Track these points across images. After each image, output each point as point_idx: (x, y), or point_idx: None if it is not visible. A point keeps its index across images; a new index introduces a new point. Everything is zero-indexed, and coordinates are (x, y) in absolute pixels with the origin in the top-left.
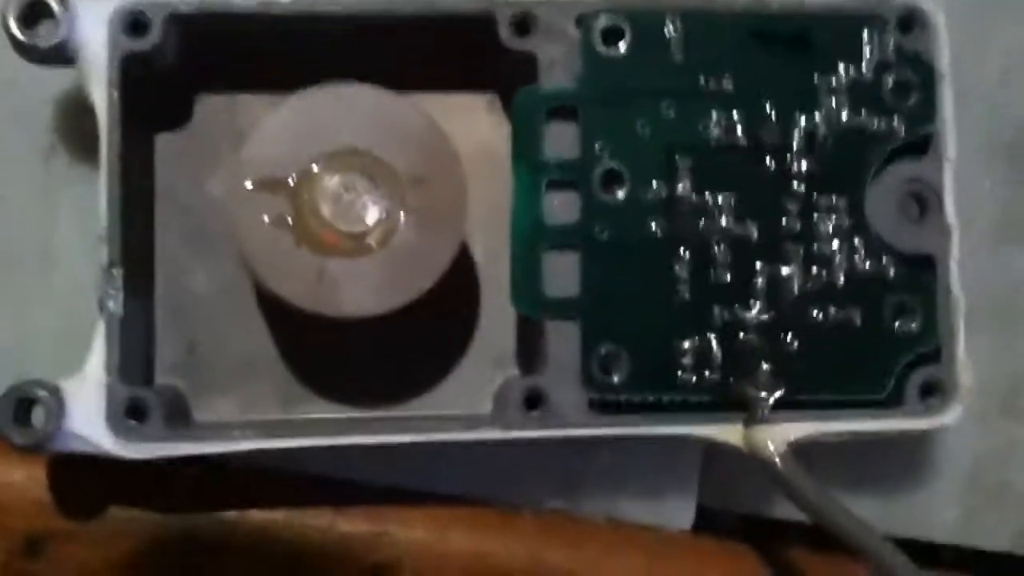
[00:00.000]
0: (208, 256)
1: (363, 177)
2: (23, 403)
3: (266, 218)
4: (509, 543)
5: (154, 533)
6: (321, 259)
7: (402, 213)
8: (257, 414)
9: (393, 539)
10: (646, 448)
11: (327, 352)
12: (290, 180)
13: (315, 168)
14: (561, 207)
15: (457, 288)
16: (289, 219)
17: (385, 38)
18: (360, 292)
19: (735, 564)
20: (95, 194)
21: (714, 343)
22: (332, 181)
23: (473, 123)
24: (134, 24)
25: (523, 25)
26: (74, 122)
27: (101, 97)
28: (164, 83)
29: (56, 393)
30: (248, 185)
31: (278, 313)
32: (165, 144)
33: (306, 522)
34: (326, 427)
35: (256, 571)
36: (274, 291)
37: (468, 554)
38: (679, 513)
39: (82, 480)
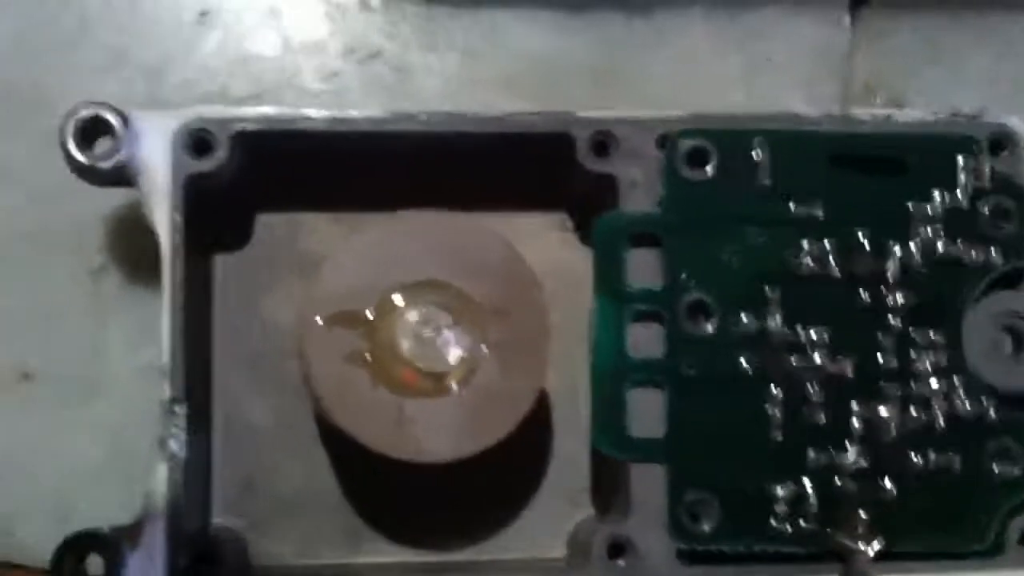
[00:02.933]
0: (267, 384)
1: (444, 311)
2: (80, 552)
3: (341, 355)
4: None
5: None
6: (399, 399)
7: (484, 348)
8: (318, 556)
9: None
10: None
11: (392, 490)
12: (367, 314)
13: (394, 302)
14: (646, 340)
15: (531, 422)
16: (366, 356)
17: (454, 156)
18: (440, 435)
19: None
20: (147, 316)
21: (809, 489)
22: (412, 316)
23: (545, 244)
24: (199, 143)
25: (602, 145)
26: (126, 241)
27: (163, 220)
28: (224, 201)
29: (115, 545)
30: (322, 320)
31: (342, 448)
32: (223, 265)
33: None
34: (393, 573)
35: None
36: (349, 433)
37: None
38: None
39: None
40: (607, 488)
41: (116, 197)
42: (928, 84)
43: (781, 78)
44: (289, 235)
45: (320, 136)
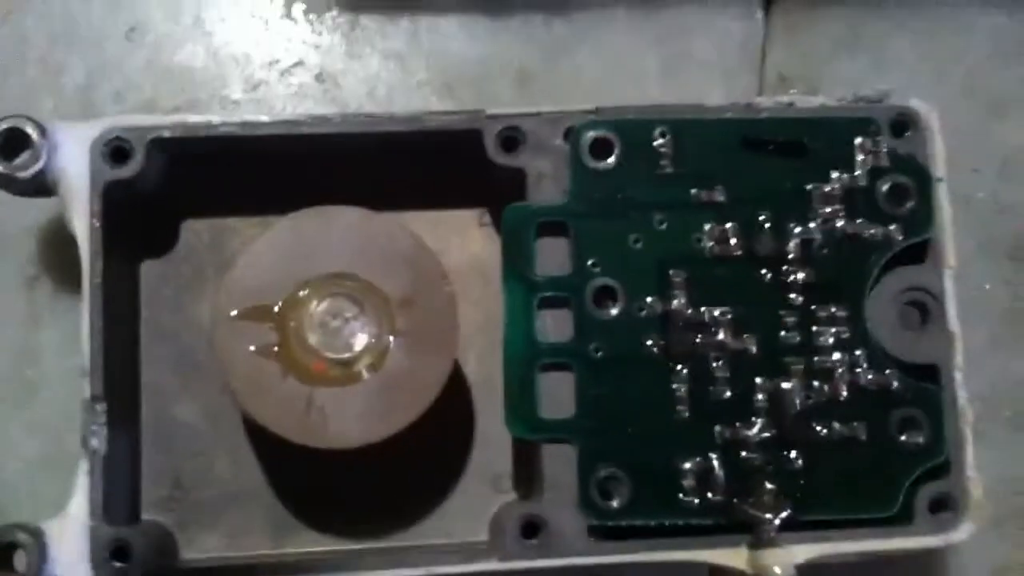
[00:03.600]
0: (194, 384)
1: (350, 302)
2: (5, 547)
3: (252, 347)
4: None
5: None
6: (309, 388)
7: (391, 337)
8: (246, 549)
9: None
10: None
11: (317, 482)
12: (276, 307)
13: (301, 294)
14: (554, 325)
15: (450, 409)
16: (275, 347)
17: (373, 157)
18: (349, 422)
19: None
20: (78, 322)
21: (716, 463)
22: (319, 308)
23: (464, 239)
24: (116, 151)
25: (510, 140)
26: (57, 251)
27: (83, 227)
28: (147, 209)
29: (38, 536)
30: (233, 313)
31: (266, 443)
32: (150, 271)
33: None
34: (319, 564)
35: None
36: (260, 422)
37: None
38: None
39: None
40: (526, 473)
41: (48, 210)
42: (846, 74)
43: (700, 73)
44: (214, 240)
45: (235, 140)
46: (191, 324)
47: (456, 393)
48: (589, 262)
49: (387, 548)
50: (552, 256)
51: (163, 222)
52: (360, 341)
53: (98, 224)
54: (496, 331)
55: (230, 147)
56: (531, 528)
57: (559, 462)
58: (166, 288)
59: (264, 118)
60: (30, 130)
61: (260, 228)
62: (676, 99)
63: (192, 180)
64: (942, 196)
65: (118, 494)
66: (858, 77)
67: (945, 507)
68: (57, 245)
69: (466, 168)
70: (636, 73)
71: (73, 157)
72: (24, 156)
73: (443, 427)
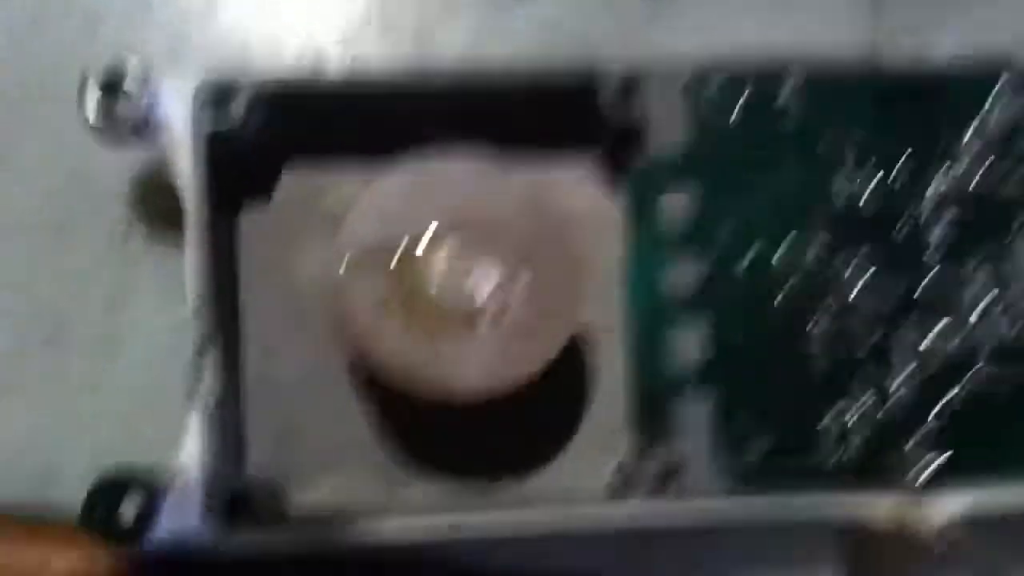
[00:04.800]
0: (297, 338)
1: (472, 254)
2: (113, 494)
3: (371, 299)
4: None
5: None
6: (431, 340)
7: (514, 289)
8: (356, 503)
9: None
10: (780, 531)
11: (428, 436)
12: (395, 258)
13: (421, 245)
14: (682, 278)
15: (567, 365)
16: (395, 301)
17: (482, 107)
18: (472, 374)
19: None
20: (174, 276)
21: (857, 415)
22: (439, 259)
23: (579, 192)
24: (218, 101)
25: (628, 92)
26: (150, 202)
27: (185, 177)
28: (248, 159)
29: (151, 485)
30: (350, 267)
31: (375, 396)
32: (250, 222)
33: None
34: (437, 507)
35: None
36: (381, 376)
37: None
38: None
39: None
40: (652, 429)
41: (140, 159)
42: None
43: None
44: (315, 191)
45: (340, 92)
46: (291, 277)
47: (574, 346)
48: (716, 213)
49: (502, 499)
50: (678, 208)
51: (263, 173)
52: (483, 292)
53: (201, 174)
54: (611, 286)
55: (334, 99)
56: (664, 481)
57: (691, 415)
58: (266, 240)
59: (370, 70)
60: (134, 72)
61: (364, 182)
62: (796, 45)
63: (294, 132)
64: None
65: (227, 448)
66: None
67: None
68: (150, 198)
69: (580, 119)
70: (753, 20)
71: (175, 104)
72: (124, 105)
73: (560, 381)
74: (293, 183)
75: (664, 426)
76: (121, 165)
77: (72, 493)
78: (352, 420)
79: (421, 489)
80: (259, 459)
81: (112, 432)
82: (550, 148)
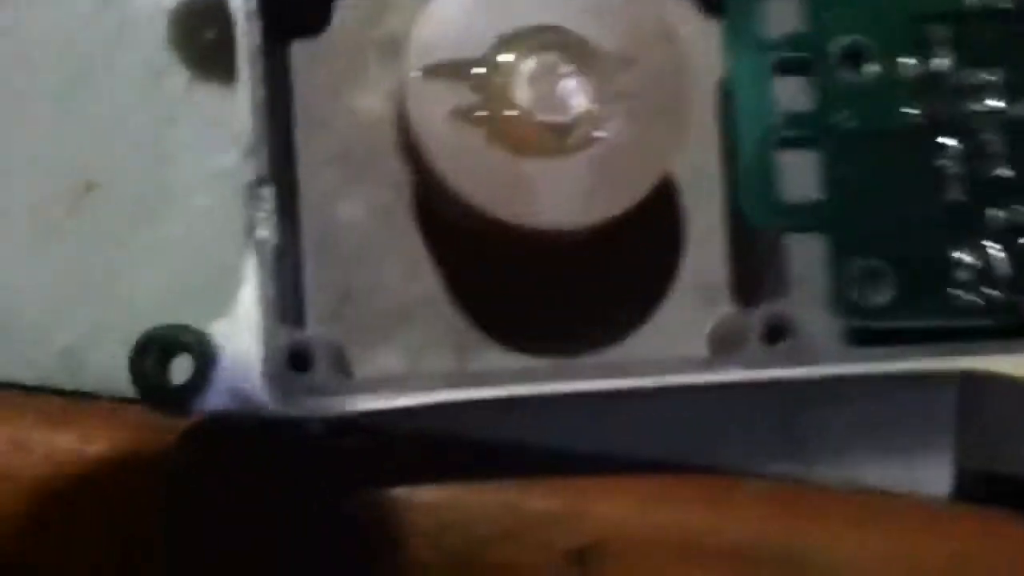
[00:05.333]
0: (357, 180)
1: (564, 57)
2: (164, 353)
3: (450, 110)
4: (729, 518)
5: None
6: (517, 158)
7: (612, 99)
8: (425, 366)
9: (591, 517)
10: (893, 394)
11: (503, 290)
12: (477, 63)
13: (506, 49)
14: (793, 93)
15: (655, 206)
16: (477, 111)
17: None
18: (563, 199)
19: (1002, 536)
20: (219, 117)
21: (995, 252)
22: (528, 64)
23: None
24: None
25: None
26: (190, 36)
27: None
28: None
29: (204, 341)
30: (425, 71)
31: (446, 244)
32: (301, 53)
33: (486, 499)
34: (512, 376)
35: (430, 557)
36: (462, 197)
37: (681, 532)
38: (934, 476)
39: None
40: (755, 271)
41: None
42: None
43: None
44: (373, 15)
45: None
46: (350, 113)
47: (661, 187)
48: (832, 16)
49: (585, 365)
50: (785, 12)
51: None
52: (577, 103)
53: None
54: (704, 113)
55: None
56: (777, 332)
57: (807, 255)
58: (320, 72)
59: None
60: None
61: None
62: None
63: None
64: None
65: (285, 300)
66: None
67: None
68: (189, 28)
69: None
70: None
71: None
72: None
73: (647, 228)
74: (350, 5)
75: (771, 274)
76: None
77: (112, 362)
78: (420, 274)
79: (497, 355)
80: (320, 318)
81: (155, 294)
82: None
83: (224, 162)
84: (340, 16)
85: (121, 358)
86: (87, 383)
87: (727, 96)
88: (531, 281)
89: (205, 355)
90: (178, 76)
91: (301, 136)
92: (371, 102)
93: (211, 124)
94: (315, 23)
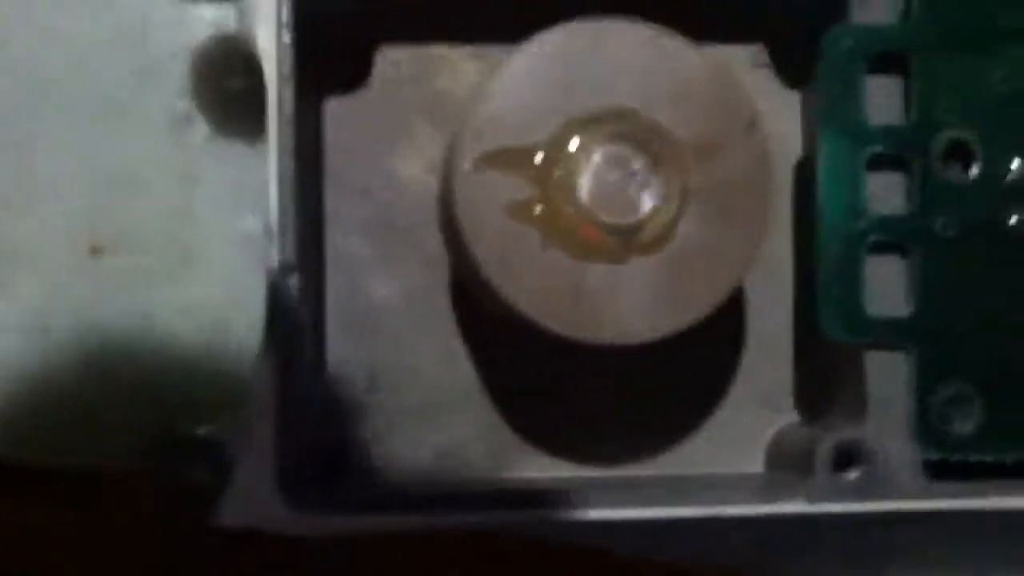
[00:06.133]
0: (392, 254)
1: (636, 149)
2: (179, 459)
3: (504, 204)
4: None
5: None
6: (578, 262)
7: (686, 197)
8: (455, 469)
9: None
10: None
11: (545, 386)
12: (537, 153)
13: (571, 137)
14: (886, 191)
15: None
16: (535, 207)
17: None
18: (629, 310)
19: None
20: (243, 173)
21: None
22: (595, 155)
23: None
24: None
25: None
26: (213, 84)
27: (269, 41)
28: (337, 31)
29: (218, 449)
30: (480, 158)
31: (484, 332)
32: (335, 110)
33: None
34: (549, 496)
35: None
36: (513, 303)
37: None
38: None
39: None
40: (825, 383)
41: (200, 30)
42: None
43: None
44: (417, 72)
45: None
46: (387, 177)
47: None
48: (938, 107)
49: (632, 478)
50: (885, 99)
51: (353, 48)
52: (647, 202)
53: (288, 40)
54: (781, 201)
55: None
56: (848, 458)
57: (887, 374)
58: (356, 132)
59: None
60: None
61: (477, 58)
62: None
63: None
64: None
65: (308, 394)
66: None
67: None
68: (213, 76)
69: None
70: None
71: None
72: None
73: (707, 326)
74: (392, 59)
75: (845, 391)
76: (182, 30)
77: (120, 439)
78: (456, 365)
79: (533, 458)
80: (343, 409)
81: (168, 368)
82: (705, 28)
83: (248, 225)
84: (380, 70)
85: (133, 431)
86: (97, 454)
87: (806, 181)
88: (577, 379)
89: (219, 464)
90: (199, 128)
91: (331, 202)
92: (412, 169)
93: (235, 180)
94: (352, 77)
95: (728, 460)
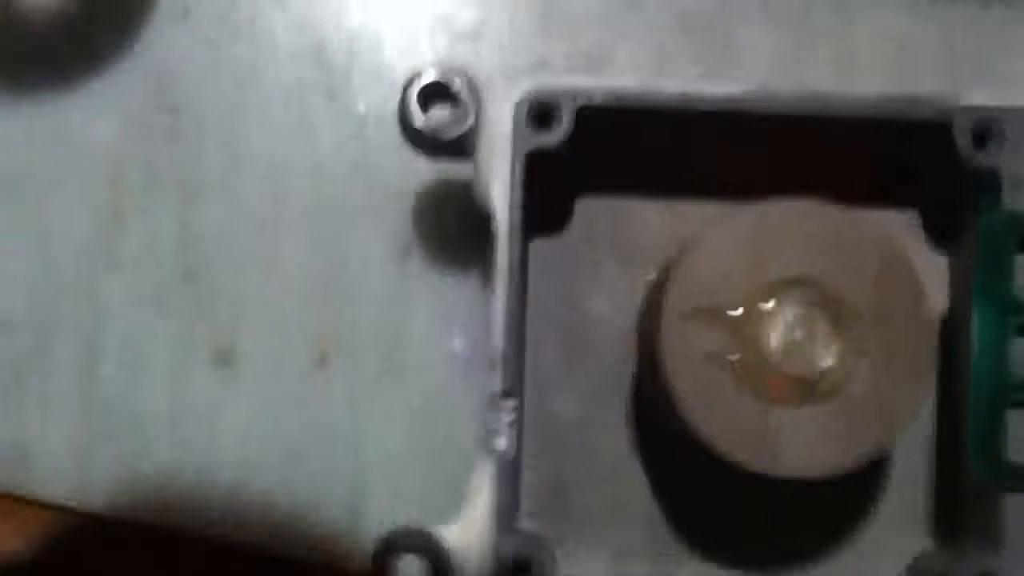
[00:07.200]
0: (579, 378)
1: (820, 313)
2: (398, 551)
3: (702, 354)
4: None
5: None
6: (764, 406)
7: (860, 356)
8: (625, 569)
9: None
10: None
11: (707, 502)
12: (734, 311)
13: (765, 299)
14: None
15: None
16: (730, 357)
17: (800, 141)
18: (806, 449)
19: None
20: (453, 301)
21: None
22: (784, 316)
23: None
24: (543, 115)
25: (985, 136)
26: (433, 220)
27: (501, 198)
28: (549, 181)
29: (434, 544)
30: (683, 315)
31: (656, 451)
32: (540, 250)
33: None
34: None
35: None
36: (707, 439)
37: None
38: None
39: None
40: (961, 516)
41: (428, 173)
42: None
43: None
44: (612, 221)
45: (668, 111)
46: (579, 311)
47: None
48: None
49: None
50: None
51: (559, 196)
52: (827, 359)
53: (519, 195)
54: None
55: (644, 119)
56: None
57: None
58: (556, 270)
59: (709, 89)
60: (458, 85)
61: (666, 211)
62: None
63: (593, 152)
64: None
65: (513, 504)
66: None
67: None
68: (433, 213)
69: (908, 162)
70: None
71: (499, 117)
72: (447, 114)
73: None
74: (589, 210)
75: (981, 526)
76: (405, 177)
77: (329, 529)
78: (627, 477)
79: (692, 564)
80: (530, 515)
81: (379, 463)
82: (867, 194)
83: (454, 347)
84: (578, 218)
85: (342, 523)
86: (303, 546)
87: (951, 336)
88: (732, 495)
89: (437, 559)
90: (418, 258)
91: (532, 330)
92: (600, 305)
93: (446, 306)
94: (555, 224)
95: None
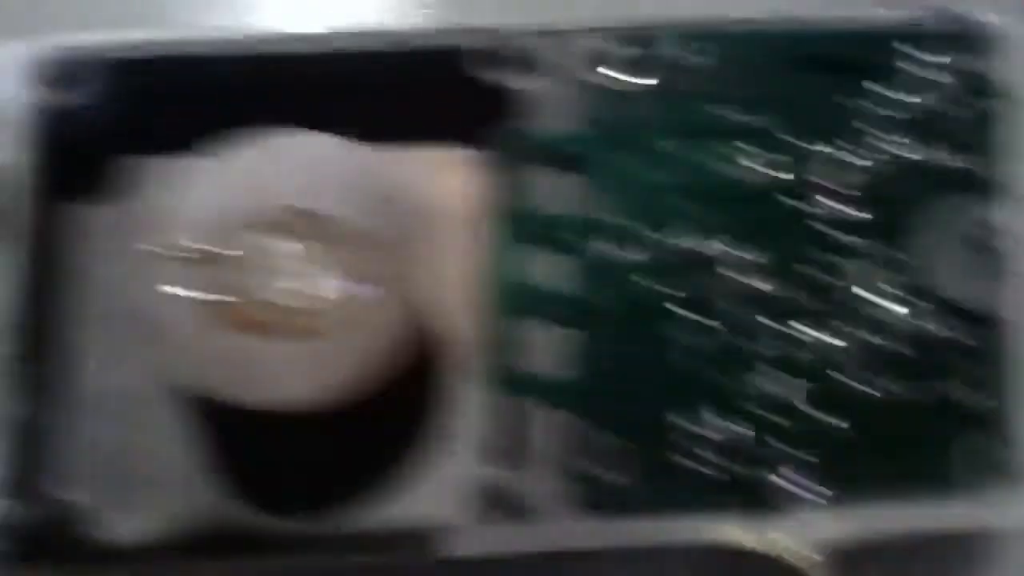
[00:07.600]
0: (127, 348)
1: (311, 243)
2: None
3: (194, 296)
4: None
5: None
6: (259, 342)
7: (351, 283)
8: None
9: None
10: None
11: (261, 455)
12: (223, 250)
13: (252, 234)
14: (551, 271)
15: (424, 371)
16: (222, 297)
17: (348, 83)
18: (303, 381)
19: None
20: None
21: (738, 427)
22: (275, 249)
23: (448, 178)
24: (61, 74)
25: (509, 59)
26: None
27: (13, 159)
28: (85, 143)
29: None
30: (173, 257)
31: (206, 412)
32: (82, 216)
33: None
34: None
35: None
36: (199, 382)
37: None
38: None
39: None
40: (508, 441)
41: None
42: None
43: None
44: (158, 183)
45: (197, 62)
46: (128, 278)
47: (432, 355)
48: (600, 198)
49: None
50: (555, 192)
51: (100, 160)
52: (321, 288)
53: (32, 158)
54: (472, 282)
55: (186, 72)
56: (512, 504)
57: (549, 428)
58: (101, 237)
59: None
60: None
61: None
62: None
63: (135, 112)
64: (1021, 119)
65: (32, 469)
66: None
67: (1002, 478)
68: None
69: (451, 94)
70: None
71: (7, 79)
72: None
73: (418, 391)
74: (134, 172)
75: (516, 445)
76: None
77: None
78: (173, 443)
79: (255, 523)
80: (66, 483)
81: None
82: (417, 129)
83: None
84: (121, 181)
85: None
86: None
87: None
88: (285, 444)
89: None
90: None
91: (72, 298)
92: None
93: None
94: (99, 188)
95: (444, 509)
